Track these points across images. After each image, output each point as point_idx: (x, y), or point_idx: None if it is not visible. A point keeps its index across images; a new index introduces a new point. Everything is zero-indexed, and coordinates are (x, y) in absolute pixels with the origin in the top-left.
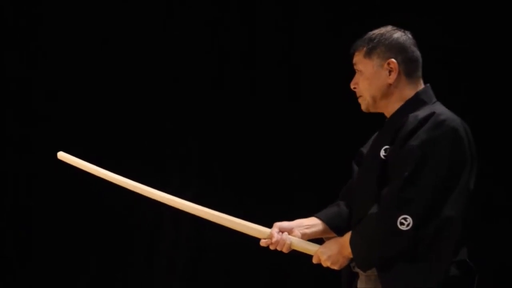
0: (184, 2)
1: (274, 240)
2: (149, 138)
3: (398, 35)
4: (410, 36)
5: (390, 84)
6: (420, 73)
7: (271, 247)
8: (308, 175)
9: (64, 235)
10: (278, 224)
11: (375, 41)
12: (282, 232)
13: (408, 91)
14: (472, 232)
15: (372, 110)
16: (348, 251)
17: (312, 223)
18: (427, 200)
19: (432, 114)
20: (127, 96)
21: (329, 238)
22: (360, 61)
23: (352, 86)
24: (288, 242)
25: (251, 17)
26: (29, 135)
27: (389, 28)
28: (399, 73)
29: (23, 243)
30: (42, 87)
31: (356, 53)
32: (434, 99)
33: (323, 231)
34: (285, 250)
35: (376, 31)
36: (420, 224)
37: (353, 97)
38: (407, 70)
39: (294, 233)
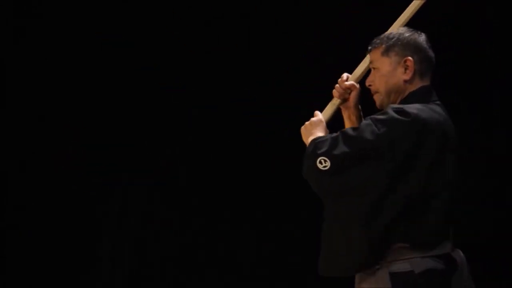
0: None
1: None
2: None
3: (415, 36)
4: (425, 37)
5: (405, 81)
6: (430, 73)
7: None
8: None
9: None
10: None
11: (393, 40)
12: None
13: None
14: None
15: (385, 106)
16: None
17: None
18: (354, 152)
19: (401, 108)
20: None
21: None
22: (378, 59)
23: (367, 84)
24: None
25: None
26: None
27: (406, 28)
28: (414, 71)
29: None
30: None
31: (374, 51)
32: (432, 99)
33: None
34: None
35: (394, 31)
36: (341, 171)
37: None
38: (421, 69)
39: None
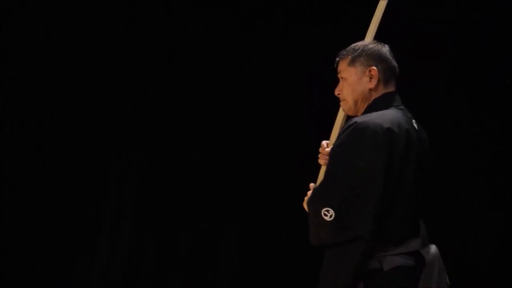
0: None
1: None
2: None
3: (379, 47)
4: (388, 48)
5: (370, 89)
6: (394, 80)
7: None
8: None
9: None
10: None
11: (358, 51)
12: None
13: None
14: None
15: (352, 113)
16: None
17: None
18: (344, 192)
19: (355, 122)
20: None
21: None
22: (345, 69)
23: (336, 93)
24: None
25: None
26: None
27: (370, 40)
28: (378, 80)
29: None
30: None
31: (341, 62)
32: (394, 104)
33: None
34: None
35: (359, 43)
36: (343, 213)
37: None
38: (385, 77)
39: None
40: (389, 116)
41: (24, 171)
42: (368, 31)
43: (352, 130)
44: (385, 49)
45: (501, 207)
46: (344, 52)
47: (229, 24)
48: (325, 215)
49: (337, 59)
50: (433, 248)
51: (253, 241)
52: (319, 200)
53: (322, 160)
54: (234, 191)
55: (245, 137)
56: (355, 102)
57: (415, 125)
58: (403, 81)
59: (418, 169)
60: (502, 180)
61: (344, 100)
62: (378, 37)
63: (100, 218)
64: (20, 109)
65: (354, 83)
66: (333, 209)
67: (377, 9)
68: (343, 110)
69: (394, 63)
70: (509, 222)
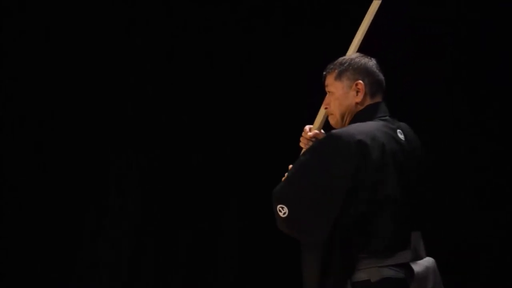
0: None
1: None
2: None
3: (365, 60)
4: (375, 62)
5: (357, 103)
6: (381, 93)
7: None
8: None
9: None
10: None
11: (345, 65)
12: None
13: None
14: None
15: (339, 126)
16: None
17: None
18: (301, 194)
19: (331, 131)
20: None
21: None
22: (332, 83)
23: (324, 107)
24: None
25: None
26: None
27: (357, 54)
28: (365, 94)
29: None
30: None
31: (328, 76)
32: (378, 115)
33: None
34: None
35: (346, 57)
36: (296, 214)
37: None
38: (371, 90)
39: None
40: (365, 127)
41: (24, 171)
42: (354, 39)
43: (326, 138)
44: (371, 62)
45: (501, 207)
46: (331, 66)
47: (229, 24)
48: (280, 211)
49: (324, 73)
50: (429, 261)
51: (253, 241)
52: (275, 196)
53: (303, 144)
54: (234, 191)
55: (245, 137)
56: (342, 116)
57: (400, 136)
58: (403, 81)
59: (404, 181)
60: (502, 180)
61: (331, 114)
62: (378, 38)
63: (100, 218)
64: (20, 109)
65: (341, 97)
66: (287, 208)
67: (363, 22)
68: (331, 123)
69: (381, 76)
70: (509, 222)
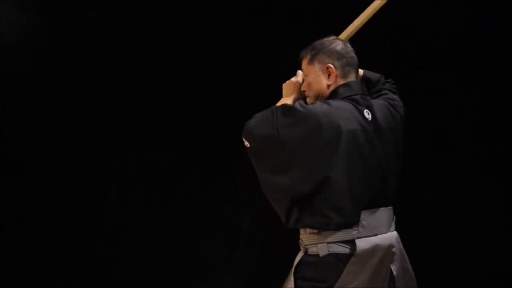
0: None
1: None
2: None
3: (336, 43)
4: (345, 43)
5: (328, 85)
6: (354, 74)
7: None
8: None
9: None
10: None
11: (316, 49)
12: None
13: None
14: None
15: None
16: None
17: None
18: (258, 146)
19: (295, 104)
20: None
21: None
22: (305, 68)
23: (302, 89)
24: None
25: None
26: None
27: (328, 38)
28: (336, 76)
29: None
30: None
31: (302, 61)
32: (347, 94)
33: None
34: None
35: (318, 41)
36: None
37: None
38: (343, 73)
39: None
40: (323, 107)
41: (24, 171)
42: (350, 25)
43: (290, 108)
44: (342, 45)
45: (501, 207)
46: (304, 51)
47: (229, 24)
48: (244, 141)
49: (299, 58)
50: (383, 238)
51: (253, 241)
52: (244, 129)
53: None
54: (234, 191)
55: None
56: (316, 99)
57: (367, 115)
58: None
59: (362, 159)
60: (502, 180)
61: (308, 97)
62: (378, 38)
63: (100, 218)
64: (20, 109)
65: (314, 81)
66: (249, 143)
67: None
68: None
69: (353, 57)
70: (509, 222)
